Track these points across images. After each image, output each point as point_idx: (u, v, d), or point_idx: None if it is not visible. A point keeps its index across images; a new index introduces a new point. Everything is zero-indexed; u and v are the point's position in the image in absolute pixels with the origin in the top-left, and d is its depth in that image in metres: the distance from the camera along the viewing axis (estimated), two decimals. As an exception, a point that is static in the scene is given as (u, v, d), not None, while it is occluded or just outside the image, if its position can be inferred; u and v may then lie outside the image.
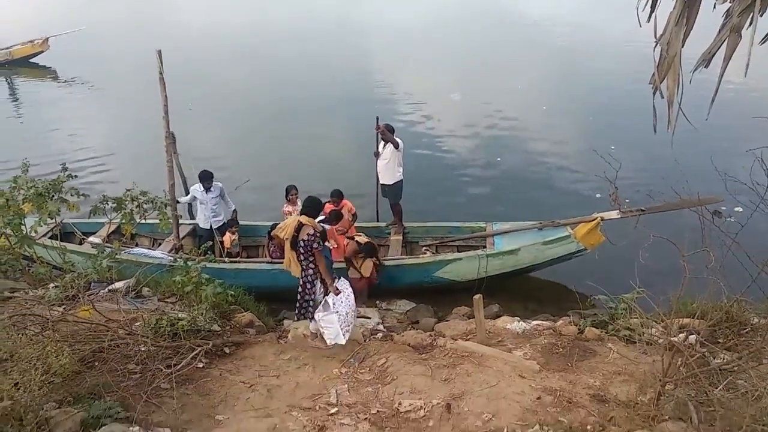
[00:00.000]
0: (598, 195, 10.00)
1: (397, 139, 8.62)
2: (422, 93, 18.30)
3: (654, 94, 3.69)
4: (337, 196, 8.21)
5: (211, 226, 8.69)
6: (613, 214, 7.57)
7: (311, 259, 6.27)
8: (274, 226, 8.18)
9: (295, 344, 6.50)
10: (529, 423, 4.81)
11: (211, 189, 8.56)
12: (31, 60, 23.31)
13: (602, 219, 7.58)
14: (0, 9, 25.11)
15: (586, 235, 7.63)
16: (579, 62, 20.33)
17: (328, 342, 6.28)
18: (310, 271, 6.32)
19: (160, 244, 8.95)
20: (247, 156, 13.77)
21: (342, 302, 6.32)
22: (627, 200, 7.49)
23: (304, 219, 6.18)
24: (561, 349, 5.95)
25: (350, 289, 6.58)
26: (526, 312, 7.43)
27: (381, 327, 7.23)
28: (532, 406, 5.06)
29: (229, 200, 8.93)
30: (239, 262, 8.31)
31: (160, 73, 7.47)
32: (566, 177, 12.52)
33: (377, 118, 8.65)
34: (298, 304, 6.50)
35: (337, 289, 6.36)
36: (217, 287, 6.54)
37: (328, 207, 7.98)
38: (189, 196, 8.84)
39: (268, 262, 8.15)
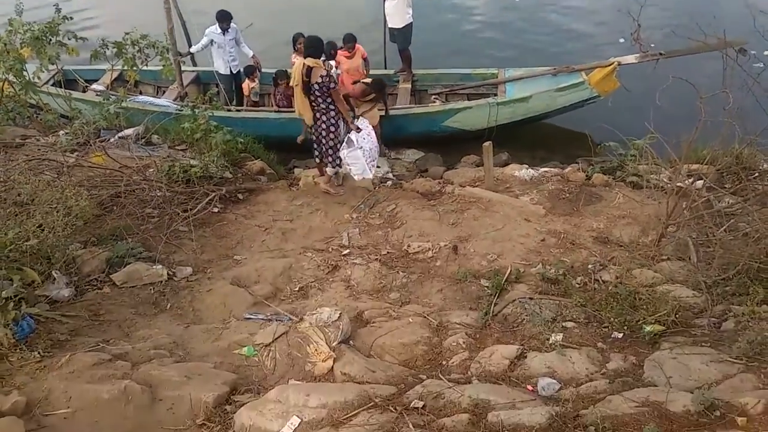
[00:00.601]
0: (621, 40, 9.46)
1: None
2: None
3: None
4: (351, 41, 7.68)
5: (231, 71, 8.26)
6: (631, 59, 7.26)
7: (329, 100, 6.12)
8: (278, 74, 7.99)
9: (306, 191, 6.63)
10: (532, 263, 5.04)
11: (229, 30, 7.99)
12: None
13: (619, 64, 7.27)
14: None
15: (600, 81, 7.39)
16: None
17: (356, 178, 6.45)
18: (332, 113, 6.21)
19: (164, 92, 8.79)
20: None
21: (365, 138, 6.40)
22: (652, 45, 7.11)
23: (310, 62, 5.93)
24: (567, 195, 6.05)
25: (370, 127, 6.62)
26: (535, 160, 7.42)
27: (390, 175, 7.29)
28: (535, 248, 5.26)
29: (244, 45, 8.34)
30: (246, 110, 8.20)
31: None
32: (587, 18, 11.78)
33: None
34: (325, 151, 6.41)
35: (358, 127, 6.39)
36: (226, 134, 6.53)
37: (342, 54, 7.63)
38: (204, 39, 8.12)
39: (275, 111, 8.04)
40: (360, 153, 6.32)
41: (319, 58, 6.08)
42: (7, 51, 6.67)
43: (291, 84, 6.19)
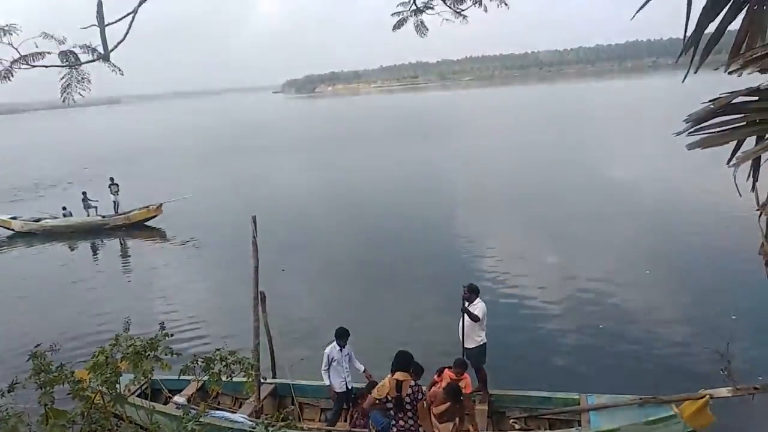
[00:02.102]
0: (722, 371, 9.12)
1: (478, 309, 8.44)
2: (515, 253, 18.01)
3: (766, 264, 3.49)
4: (461, 366, 7.72)
5: (347, 387, 8.28)
6: (723, 392, 6.84)
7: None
8: (357, 392, 8.02)
9: None
10: None
11: (345, 346, 8.27)
12: (146, 224, 25.64)
13: (711, 397, 6.85)
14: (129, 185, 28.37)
15: (693, 414, 6.88)
16: (678, 226, 19.37)
17: None
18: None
19: (241, 405, 8.92)
20: (331, 316, 13.84)
21: None
22: (760, 377, 6.78)
23: (399, 375, 6.12)
24: None
25: None
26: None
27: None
28: None
29: (355, 359, 8.47)
30: (322, 429, 8.06)
31: (254, 237, 8.01)
32: (674, 347, 11.33)
33: (463, 289, 8.56)
34: None
35: None
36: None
37: (449, 373, 7.66)
38: (325, 359, 8.25)
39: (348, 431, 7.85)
40: None
41: (408, 372, 6.22)
42: (107, 364, 7.16)
43: (380, 396, 6.27)
